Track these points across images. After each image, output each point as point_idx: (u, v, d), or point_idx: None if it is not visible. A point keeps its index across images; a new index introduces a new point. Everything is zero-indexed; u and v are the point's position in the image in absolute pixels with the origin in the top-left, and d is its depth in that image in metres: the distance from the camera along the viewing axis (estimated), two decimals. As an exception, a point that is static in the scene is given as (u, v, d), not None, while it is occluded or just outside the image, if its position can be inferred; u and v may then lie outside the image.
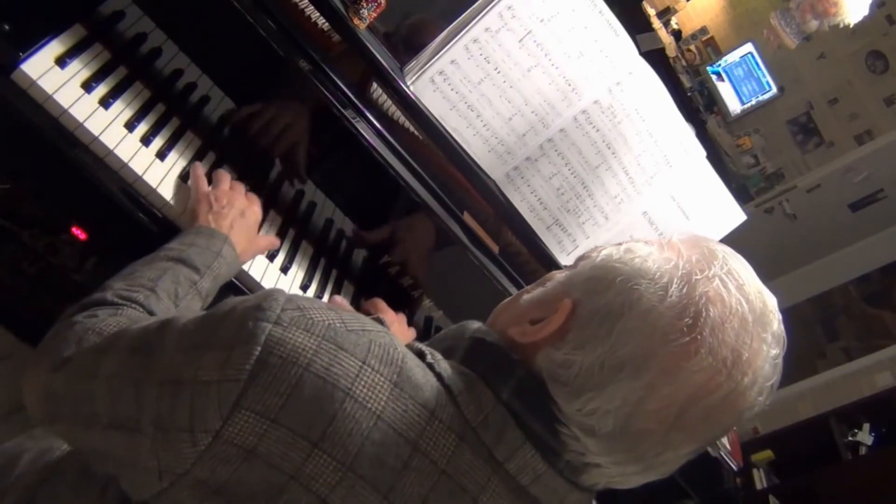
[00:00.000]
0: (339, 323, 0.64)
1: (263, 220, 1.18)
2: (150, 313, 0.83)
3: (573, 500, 0.67)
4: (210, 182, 1.10)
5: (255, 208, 1.11)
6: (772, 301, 0.66)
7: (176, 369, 0.64)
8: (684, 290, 0.62)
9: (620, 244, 0.69)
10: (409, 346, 0.68)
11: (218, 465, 0.60)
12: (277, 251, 1.19)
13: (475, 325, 0.73)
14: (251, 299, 0.65)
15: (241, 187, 1.12)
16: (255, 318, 0.62)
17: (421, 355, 0.67)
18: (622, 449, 0.64)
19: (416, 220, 1.28)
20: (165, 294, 0.86)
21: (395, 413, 0.61)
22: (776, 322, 0.65)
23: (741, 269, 0.65)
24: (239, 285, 1.10)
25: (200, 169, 1.09)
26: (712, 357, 0.61)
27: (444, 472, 0.62)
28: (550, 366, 0.65)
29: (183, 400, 0.62)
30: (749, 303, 0.63)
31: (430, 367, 0.66)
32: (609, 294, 0.64)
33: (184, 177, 1.09)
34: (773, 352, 0.64)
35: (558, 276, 0.72)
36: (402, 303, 1.40)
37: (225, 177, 1.11)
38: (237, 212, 1.06)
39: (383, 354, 0.63)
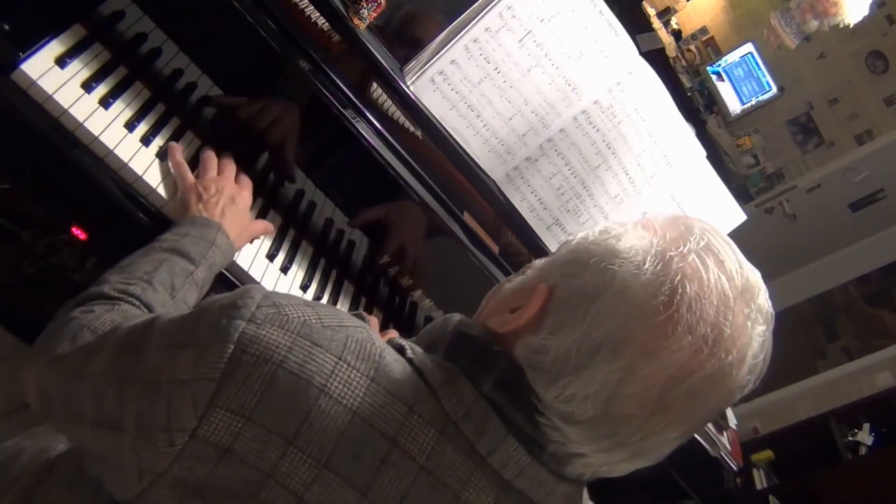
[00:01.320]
0: (314, 319, 0.63)
1: (263, 219, 1.18)
2: (147, 306, 0.83)
3: (561, 492, 0.66)
4: (197, 164, 1.08)
5: (245, 193, 1.10)
6: (755, 276, 0.63)
7: (156, 369, 0.64)
8: (658, 266, 0.60)
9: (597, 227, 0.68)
10: (389, 342, 0.67)
11: (195, 465, 0.60)
12: (277, 251, 1.19)
13: (457, 317, 0.71)
14: (228, 297, 0.65)
15: (230, 170, 1.11)
16: (230, 315, 0.62)
17: (401, 350, 0.66)
18: (604, 435, 0.62)
19: (407, 207, 1.26)
20: (162, 286, 0.86)
21: (372, 409, 0.61)
22: (761, 297, 0.62)
23: (721, 244, 0.63)
24: (239, 285, 1.10)
25: (180, 156, 1.07)
26: (691, 335, 0.58)
27: (423, 468, 0.62)
28: (528, 353, 0.64)
29: (161, 399, 0.62)
30: (730, 279, 0.61)
31: (410, 361, 0.65)
32: (584, 276, 0.63)
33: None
34: (759, 328, 0.62)
35: (537, 263, 0.71)
36: (402, 303, 1.40)
37: (212, 162, 1.10)
38: (227, 199, 1.05)
39: (360, 350, 0.62)
